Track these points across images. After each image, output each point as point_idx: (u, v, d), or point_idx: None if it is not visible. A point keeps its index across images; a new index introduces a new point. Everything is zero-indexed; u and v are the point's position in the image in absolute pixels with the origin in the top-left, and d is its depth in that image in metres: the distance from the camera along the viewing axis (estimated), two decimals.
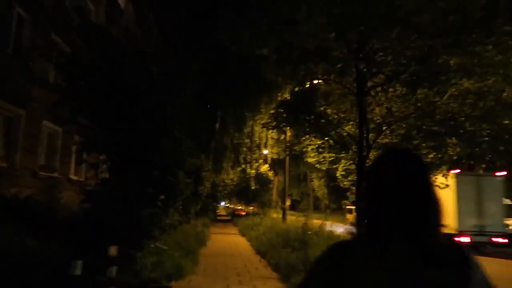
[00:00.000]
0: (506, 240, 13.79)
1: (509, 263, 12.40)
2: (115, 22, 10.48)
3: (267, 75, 8.36)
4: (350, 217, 34.51)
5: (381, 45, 7.41)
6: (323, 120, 8.42)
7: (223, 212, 62.00)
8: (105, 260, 6.16)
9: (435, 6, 6.90)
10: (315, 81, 9.49)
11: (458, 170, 12.69)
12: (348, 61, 7.71)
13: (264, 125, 10.91)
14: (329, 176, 41.05)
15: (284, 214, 22.43)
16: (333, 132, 8.67)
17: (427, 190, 1.07)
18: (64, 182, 14.00)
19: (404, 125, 9.44)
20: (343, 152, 9.61)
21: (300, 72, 8.56)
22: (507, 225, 14.80)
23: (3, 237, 6.42)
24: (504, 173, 13.82)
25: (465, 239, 12.85)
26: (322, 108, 8.62)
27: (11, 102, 10.81)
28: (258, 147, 27.53)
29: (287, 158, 23.03)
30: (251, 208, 46.06)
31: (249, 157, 27.62)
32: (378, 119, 9.59)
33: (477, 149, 8.14)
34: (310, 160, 13.66)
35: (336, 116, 8.76)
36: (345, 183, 11.10)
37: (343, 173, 10.41)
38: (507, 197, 15.98)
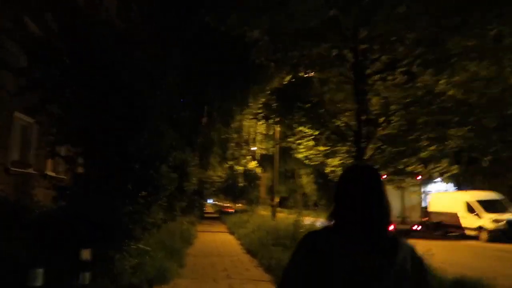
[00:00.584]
0: (420, 227, 20.36)
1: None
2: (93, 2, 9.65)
3: (257, 60, 7.66)
4: None
5: (384, 27, 6.78)
6: (321, 110, 7.78)
7: (210, 210, 61.30)
8: (77, 265, 5.42)
9: None
10: (309, 71, 8.83)
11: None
12: (346, 45, 7.08)
13: (254, 116, 10.21)
14: (318, 172, 40.61)
15: (273, 211, 21.83)
16: (330, 122, 8.05)
17: (381, 197, 1.42)
18: (39, 178, 13.08)
19: (403, 115, 8.86)
20: (339, 144, 9.01)
21: (293, 58, 7.91)
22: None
23: None
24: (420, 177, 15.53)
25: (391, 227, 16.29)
26: (317, 97, 7.97)
27: None
28: (246, 142, 26.83)
29: (277, 153, 22.39)
30: (239, 205, 45.52)
31: (237, 153, 26.85)
32: (375, 110, 9.00)
33: (482, 140, 7.62)
34: (299, 156, 13.11)
35: (333, 106, 8.13)
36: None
37: (338, 168, 9.81)
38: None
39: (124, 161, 6.72)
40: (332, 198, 1.48)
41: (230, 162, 32.70)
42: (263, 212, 26.83)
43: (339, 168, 11.29)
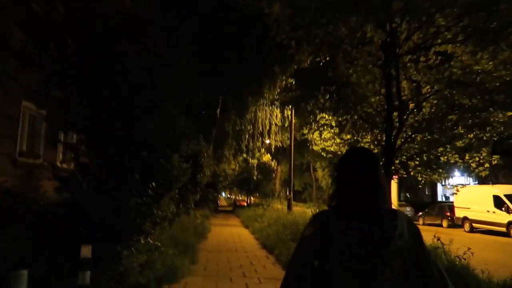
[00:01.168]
0: None
1: None
2: None
3: (277, 39, 6.90)
4: None
5: None
6: (347, 91, 6.97)
7: (224, 203, 61.11)
8: (77, 264, 4.82)
9: None
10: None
11: None
12: (377, 17, 6.28)
13: (272, 102, 9.45)
14: (334, 166, 39.61)
15: (289, 205, 21.12)
16: (358, 106, 7.26)
17: (376, 178, 1.50)
18: (49, 170, 12.60)
19: (437, 100, 8.01)
20: (366, 132, 8.21)
21: (316, 36, 7.13)
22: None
23: None
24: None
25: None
26: (345, 78, 7.15)
27: None
28: (261, 134, 26.09)
29: (292, 145, 21.65)
30: (253, 198, 45.01)
31: (251, 145, 26.17)
32: (405, 96, 8.16)
33: None
34: (316, 148, 12.37)
35: (360, 89, 7.33)
36: None
37: None
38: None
39: (131, 148, 6.07)
40: (336, 181, 1.56)
41: (245, 155, 32.11)
42: (278, 205, 26.12)
43: None
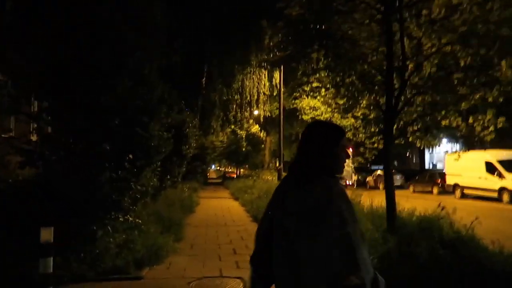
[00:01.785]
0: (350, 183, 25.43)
1: None
2: None
3: None
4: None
5: None
6: (344, 45, 6.20)
7: (213, 175, 60.75)
8: (37, 249, 4.14)
9: None
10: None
11: None
12: None
13: (260, 64, 8.64)
14: None
15: (279, 176, 20.61)
16: (357, 65, 6.51)
17: (322, 147, 1.61)
18: (11, 143, 11.69)
19: (440, 58, 7.29)
20: (362, 95, 7.52)
21: None
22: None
23: None
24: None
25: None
26: (340, 33, 6.35)
27: None
28: (249, 104, 25.26)
29: (281, 114, 20.90)
30: (243, 170, 44.65)
31: (239, 115, 25.38)
32: (405, 55, 7.40)
33: None
34: (305, 117, 11.70)
35: (358, 46, 6.56)
36: (360, 135, 9.07)
37: (360, 124, 8.37)
38: None
39: (99, 115, 5.30)
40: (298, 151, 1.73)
41: (233, 126, 31.38)
42: (268, 176, 25.66)
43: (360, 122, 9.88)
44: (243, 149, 38.37)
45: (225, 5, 11.62)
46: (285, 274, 1.57)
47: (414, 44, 7.49)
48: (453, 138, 36.25)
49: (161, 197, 11.60)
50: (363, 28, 6.70)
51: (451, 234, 6.09)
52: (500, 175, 17.60)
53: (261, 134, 37.04)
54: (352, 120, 9.92)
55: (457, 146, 39.93)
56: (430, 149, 53.99)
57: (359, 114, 8.94)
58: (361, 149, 10.06)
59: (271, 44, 7.62)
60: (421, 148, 34.94)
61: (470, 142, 24.71)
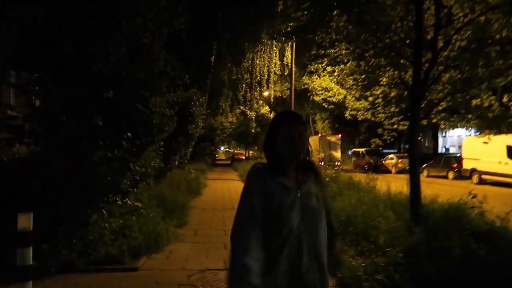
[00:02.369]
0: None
1: None
2: None
3: None
4: (356, 160, 32.51)
5: None
6: (369, 8, 5.42)
7: (222, 157, 60.45)
8: (13, 238, 3.61)
9: None
10: None
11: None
12: None
13: (272, 35, 7.90)
14: (335, 117, 38.35)
15: None
16: (385, 34, 5.74)
17: (301, 135, 1.70)
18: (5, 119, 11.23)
19: (473, 29, 6.49)
20: (385, 70, 6.79)
21: None
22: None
23: None
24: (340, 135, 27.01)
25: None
26: None
27: None
28: (259, 84, 24.46)
29: (293, 94, 20.15)
30: (252, 152, 44.16)
31: (249, 95, 24.63)
32: (432, 28, 6.61)
33: None
34: (317, 98, 11.10)
35: (385, 12, 5.78)
36: (380, 115, 8.34)
37: (380, 102, 7.66)
38: None
39: (89, 86, 4.68)
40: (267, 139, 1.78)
41: (242, 107, 30.69)
42: None
43: (366, 112, 9.15)
44: (252, 131, 37.83)
45: None
46: None
47: (444, 15, 6.70)
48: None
49: (166, 179, 11.10)
50: None
51: (483, 225, 5.45)
52: None
53: (271, 116, 36.31)
54: (366, 103, 9.21)
55: (472, 131, 38.71)
56: (444, 133, 52.67)
57: (378, 92, 8.22)
58: (379, 130, 9.37)
59: (283, 11, 6.87)
60: (436, 131, 33.99)
61: (489, 125, 23.64)
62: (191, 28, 7.62)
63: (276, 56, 24.07)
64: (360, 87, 7.83)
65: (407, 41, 5.94)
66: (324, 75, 22.56)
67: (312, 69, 7.43)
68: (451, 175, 22.28)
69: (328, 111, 35.13)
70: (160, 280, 4.36)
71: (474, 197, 5.89)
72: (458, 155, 25.57)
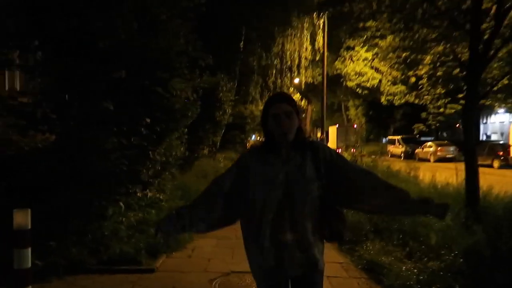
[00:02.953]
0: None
1: None
2: None
3: None
4: (392, 148, 31.11)
5: None
6: None
7: None
8: (8, 238, 3.16)
9: None
10: None
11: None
12: None
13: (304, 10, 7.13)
14: (368, 104, 36.97)
15: None
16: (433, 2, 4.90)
17: (289, 115, 1.75)
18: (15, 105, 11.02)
19: None
20: (433, 46, 5.94)
21: None
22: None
23: None
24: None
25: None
26: None
27: None
28: (290, 69, 23.63)
29: (325, 79, 19.24)
30: None
31: (279, 81, 23.87)
32: None
33: None
34: (350, 84, 10.26)
35: None
36: (426, 97, 7.47)
37: (425, 83, 6.81)
38: None
39: (97, 64, 4.17)
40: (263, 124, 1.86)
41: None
42: None
43: (408, 95, 8.27)
44: None
45: None
46: None
47: None
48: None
49: (195, 167, 10.66)
50: None
51: None
52: None
53: (302, 103, 35.36)
54: (402, 87, 8.31)
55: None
56: (485, 119, 49.82)
57: (422, 72, 7.34)
58: (423, 115, 8.47)
59: None
60: (477, 117, 31.99)
61: None
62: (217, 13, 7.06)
63: (307, 40, 23.11)
64: (403, 65, 6.97)
65: (463, 6, 5.05)
66: (357, 59, 21.47)
67: (350, 45, 6.72)
68: (496, 163, 20.77)
69: (362, 98, 33.78)
70: (177, 285, 3.84)
71: None
72: (501, 142, 23.85)
